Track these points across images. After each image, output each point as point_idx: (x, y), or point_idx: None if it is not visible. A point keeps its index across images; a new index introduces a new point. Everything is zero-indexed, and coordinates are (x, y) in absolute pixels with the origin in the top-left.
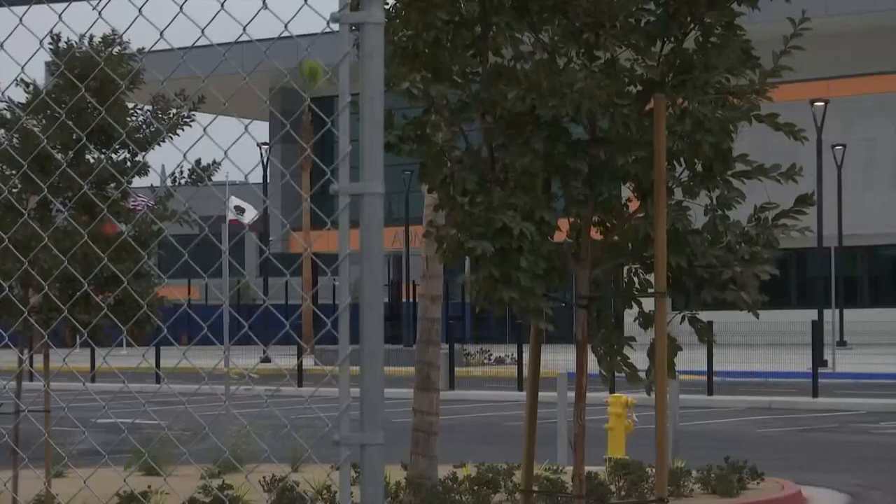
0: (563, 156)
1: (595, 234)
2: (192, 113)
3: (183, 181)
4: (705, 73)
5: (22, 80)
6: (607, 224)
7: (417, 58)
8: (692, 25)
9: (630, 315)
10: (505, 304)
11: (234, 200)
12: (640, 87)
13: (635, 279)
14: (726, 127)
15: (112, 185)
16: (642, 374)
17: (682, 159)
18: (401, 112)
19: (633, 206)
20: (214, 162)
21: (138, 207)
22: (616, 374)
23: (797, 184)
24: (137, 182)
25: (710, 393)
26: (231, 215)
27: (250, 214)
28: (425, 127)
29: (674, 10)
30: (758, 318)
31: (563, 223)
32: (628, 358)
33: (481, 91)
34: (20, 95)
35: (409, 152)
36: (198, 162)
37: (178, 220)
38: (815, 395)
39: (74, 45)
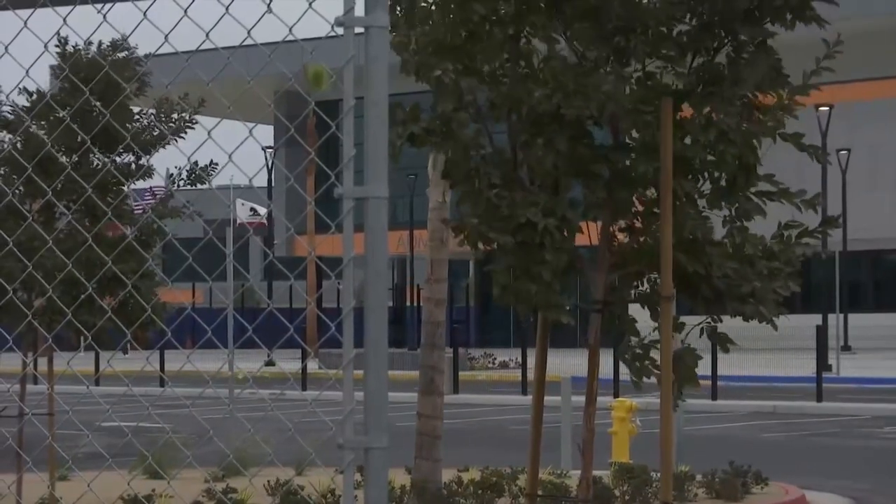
0: (585, 159)
1: (620, 238)
2: (195, 118)
3: (181, 182)
4: (734, 87)
5: (24, 88)
6: (630, 229)
7: (452, 51)
8: (726, 40)
9: (650, 325)
10: (530, 296)
11: (247, 204)
12: (668, 98)
13: (655, 288)
14: (750, 141)
15: (115, 188)
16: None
17: (704, 173)
18: (426, 109)
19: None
20: (212, 163)
21: (138, 209)
22: (645, 378)
23: (816, 212)
24: (141, 184)
25: (714, 397)
26: (247, 217)
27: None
28: (451, 122)
29: (707, 22)
30: (776, 329)
31: (586, 226)
32: (656, 361)
33: (509, 90)
34: (23, 100)
35: (435, 146)
36: (195, 164)
37: (180, 216)
38: (819, 399)
39: (81, 49)
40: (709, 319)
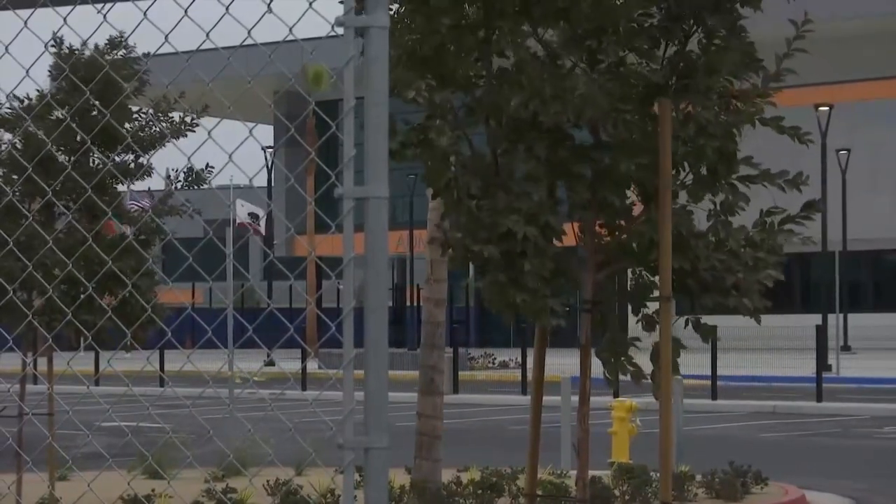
0: (566, 161)
1: (602, 234)
2: (196, 122)
3: (179, 185)
4: (708, 78)
5: (15, 95)
6: (614, 227)
7: (423, 63)
8: (695, 28)
9: (634, 317)
10: (516, 307)
11: (247, 206)
12: (644, 90)
13: (639, 281)
14: (730, 131)
15: (112, 188)
16: (648, 378)
17: (685, 164)
18: (402, 116)
19: (637, 209)
20: (207, 166)
21: (134, 207)
22: (620, 376)
23: (801, 192)
24: (140, 184)
25: (714, 397)
26: (244, 220)
27: (262, 220)
28: (428, 132)
29: (676, 14)
30: (759, 323)
31: (571, 227)
32: (633, 358)
33: (485, 96)
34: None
35: (412, 157)
36: (190, 168)
37: (179, 214)
38: (819, 399)
39: (76, 49)
40: (695, 315)
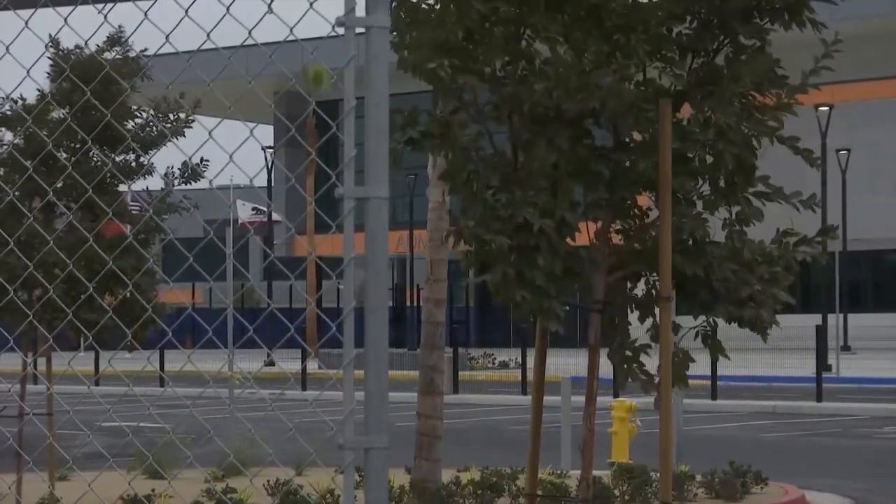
0: (585, 159)
1: (616, 240)
2: (191, 118)
3: (176, 181)
4: (733, 84)
5: (11, 98)
6: (629, 230)
7: (451, 51)
8: (724, 40)
9: (644, 327)
10: (518, 304)
11: (247, 205)
12: (667, 99)
13: (653, 291)
14: (749, 141)
15: (113, 188)
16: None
17: (705, 175)
18: (408, 109)
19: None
20: (202, 160)
21: (134, 207)
22: (631, 381)
23: (814, 212)
24: (139, 183)
25: (714, 397)
26: (248, 217)
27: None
28: (450, 126)
29: (706, 22)
30: (765, 341)
31: (585, 227)
32: (644, 365)
33: (510, 91)
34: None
35: (430, 149)
36: (184, 164)
37: (178, 212)
38: (819, 399)
39: (71, 51)
40: (705, 323)
